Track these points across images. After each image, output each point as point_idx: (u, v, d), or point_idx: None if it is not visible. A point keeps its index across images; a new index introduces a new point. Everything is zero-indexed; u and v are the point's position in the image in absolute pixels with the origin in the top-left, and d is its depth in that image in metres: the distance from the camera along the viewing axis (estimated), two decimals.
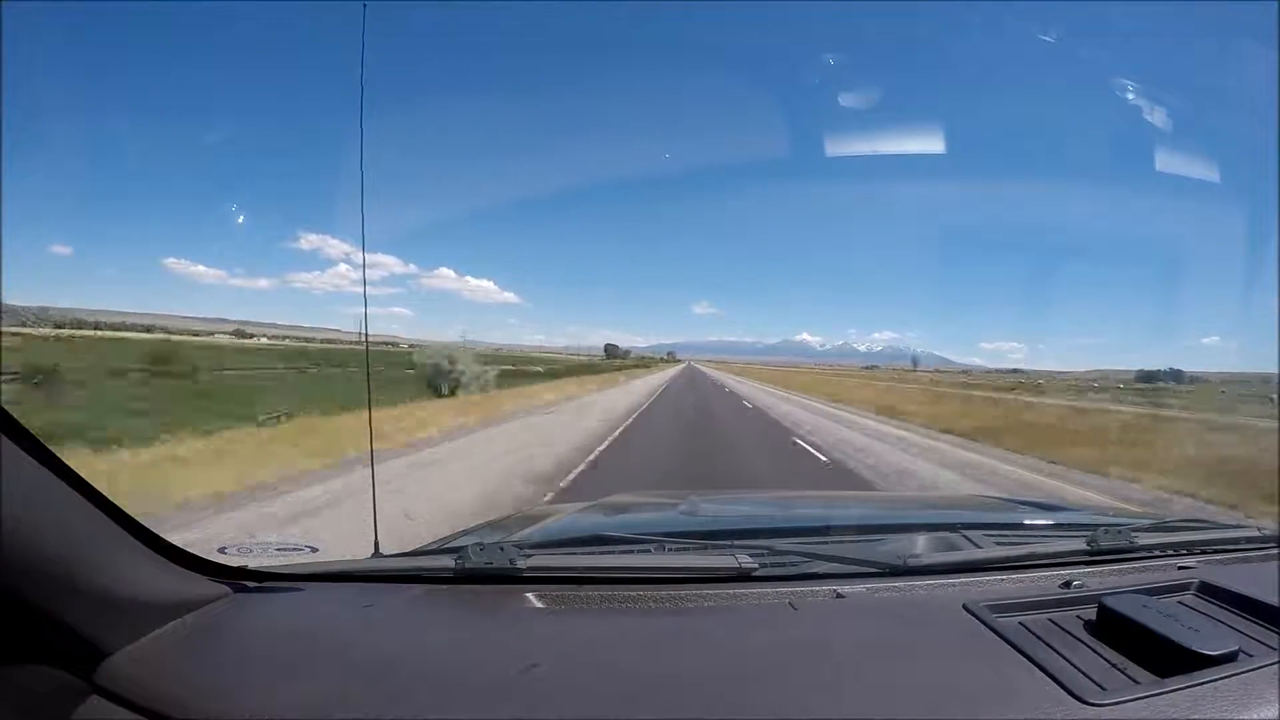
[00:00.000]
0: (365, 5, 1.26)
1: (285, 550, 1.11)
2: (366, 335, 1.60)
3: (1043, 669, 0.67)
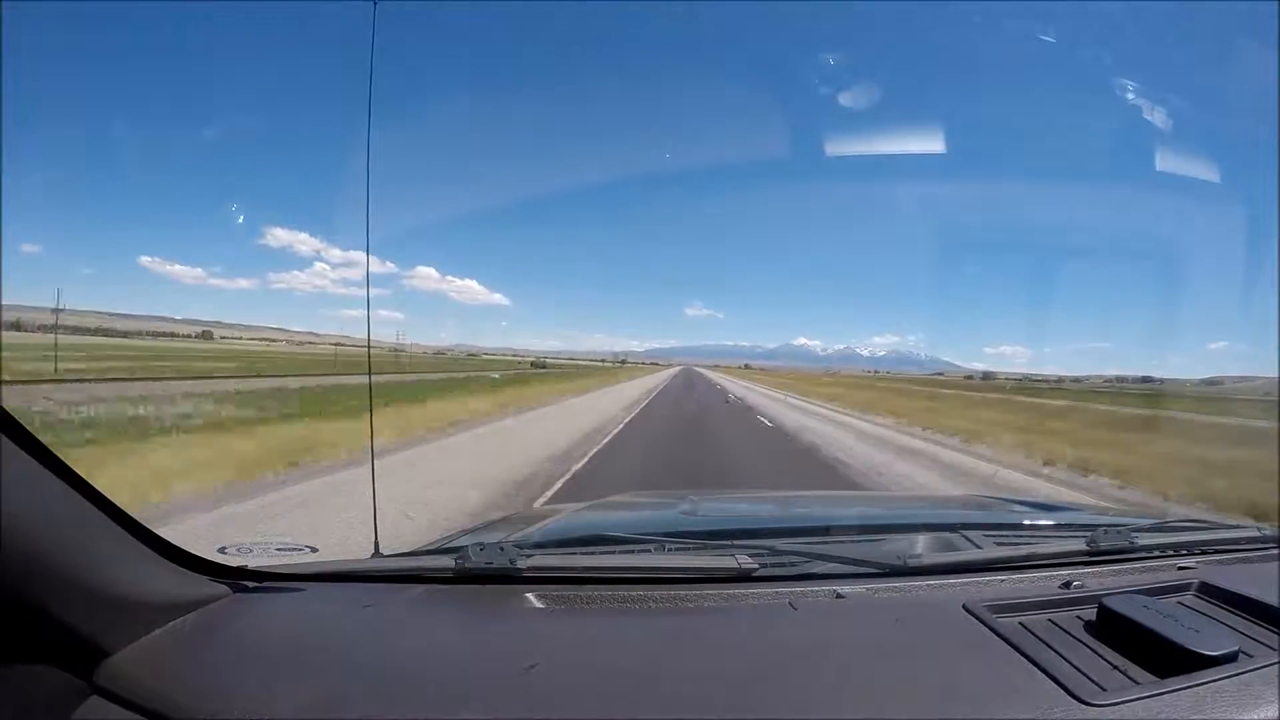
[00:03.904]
0: (375, 5, 1.26)
1: (285, 550, 1.11)
2: (369, 336, 1.64)
3: (1043, 669, 0.67)
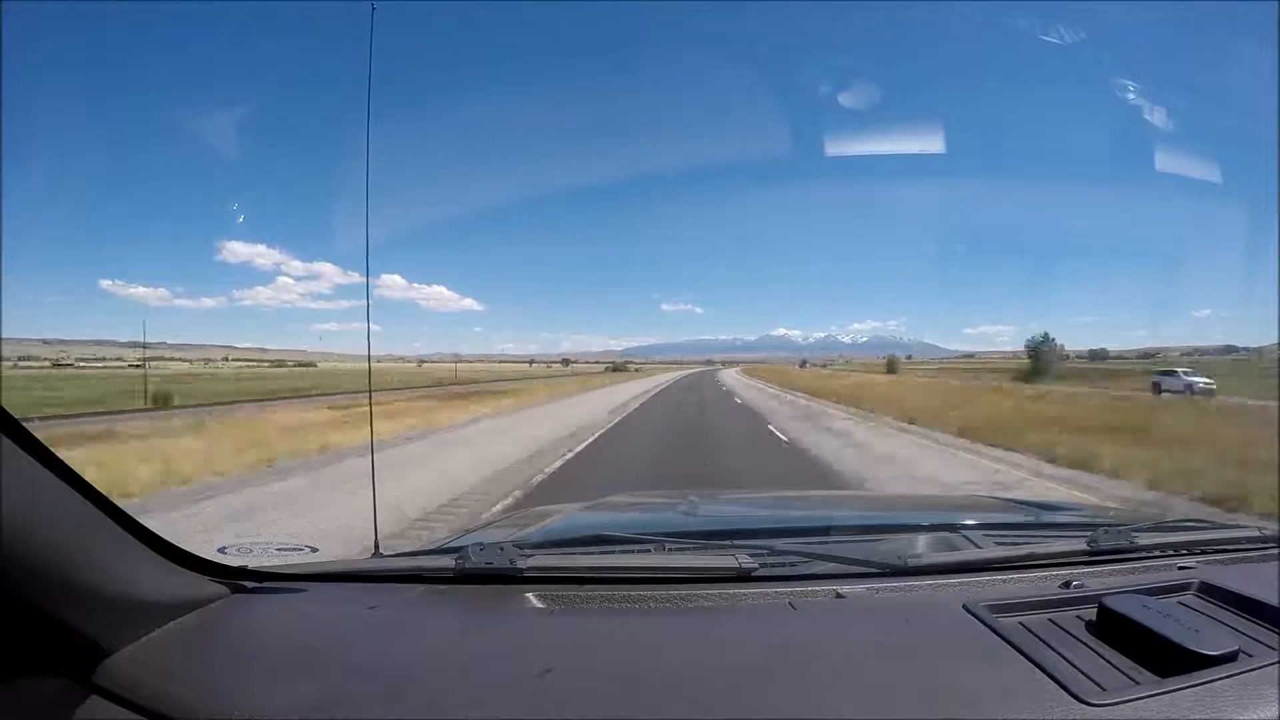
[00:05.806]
0: (373, 7, 1.26)
1: (285, 550, 1.11)
2: (369, 343, 1.65)
3: (1043, 669, 0.66)
